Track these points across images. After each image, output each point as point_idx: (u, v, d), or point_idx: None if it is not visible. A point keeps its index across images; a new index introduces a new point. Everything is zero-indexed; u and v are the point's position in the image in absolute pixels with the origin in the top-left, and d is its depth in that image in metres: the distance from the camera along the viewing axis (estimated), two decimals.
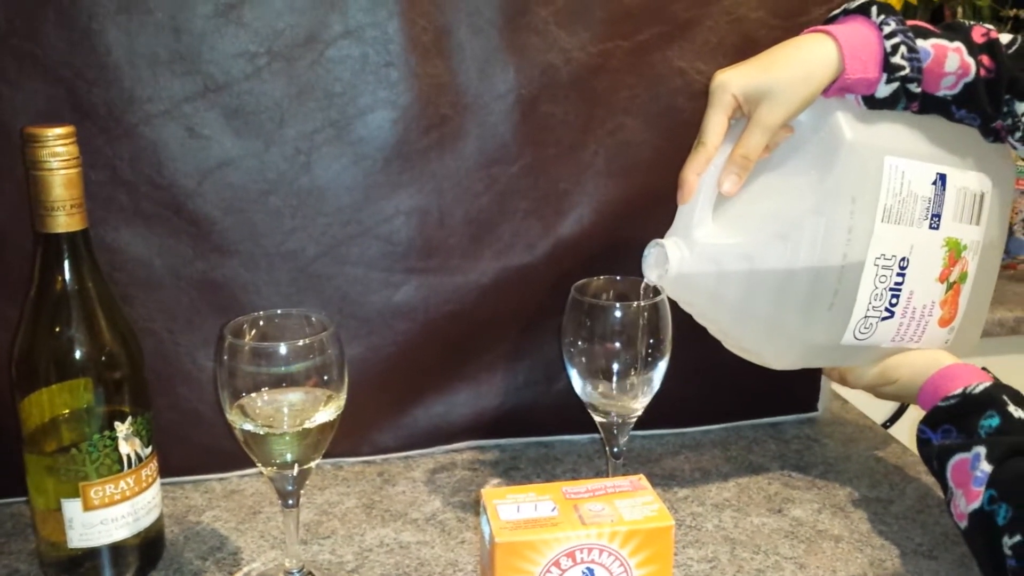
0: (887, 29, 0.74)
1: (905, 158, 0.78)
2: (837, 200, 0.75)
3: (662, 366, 0.76)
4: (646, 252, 0.78)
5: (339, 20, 0.81)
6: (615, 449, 0.78)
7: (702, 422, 0.98)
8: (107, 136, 0.78)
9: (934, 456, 0.75)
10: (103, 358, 0.68)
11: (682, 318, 0.81)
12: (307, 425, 0.66)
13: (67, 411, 0.68)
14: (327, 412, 0.67)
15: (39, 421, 0.69)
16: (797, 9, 0.90)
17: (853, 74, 0.74)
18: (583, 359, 0.75)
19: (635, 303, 0.75)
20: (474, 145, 0.86)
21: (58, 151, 0.65)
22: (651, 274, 0.78)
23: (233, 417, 0.66)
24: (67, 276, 0.67)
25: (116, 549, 0.70)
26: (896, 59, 0.74)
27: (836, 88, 0.75)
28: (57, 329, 0.68)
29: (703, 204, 0.78)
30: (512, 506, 0.57)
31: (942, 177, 0.79)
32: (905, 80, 0.75)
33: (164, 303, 0.81)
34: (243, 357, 0.65)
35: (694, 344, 0.82)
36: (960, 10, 1.80)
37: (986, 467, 0.69)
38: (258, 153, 0.81)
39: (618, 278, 0.80)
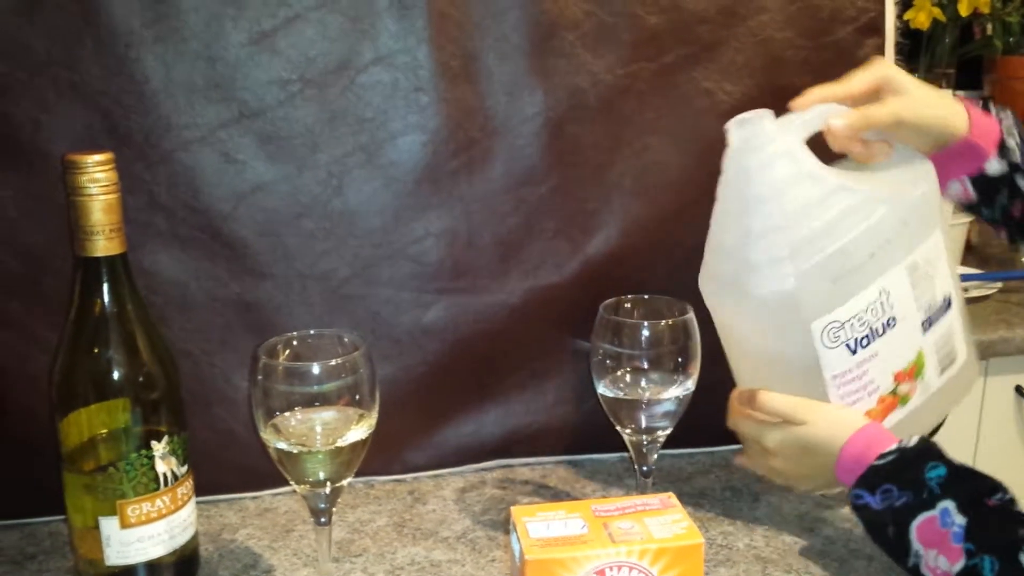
0: (1005, 121, 0.81)
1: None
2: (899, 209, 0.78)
3: (691, 384, 0.76)
4: (743, 116, 0.78)
5: (370, 47, 0.82)
6: (644, 468, 0.78)
7: (733, 441, 0.97)
8: (145, 162, 0.80)
9: (888, 521, 0.70)
10: (141, 379, 0.70)
11: (711, 337, 0.81)
12: (339, 444, 0.67)
13: (105, 431, 0.70)
14: (359, 431, 0.67)
15: (78, 440, 0.70)
16: (823, 29, 0.90)
17: (975, 138, 0.78)
18: (612, 378, 0.76)
19: (664, 321, 0.76)
20: (502, 167, 0.87)
21: (97, 177, 0.67)
22: (736, 131, 0.78)
23: (267, 436, 0.67)
24: (106, 299, 0.69)
25: (152, 567, 0.71)
26: (1010, 142, 0.80)
27: (957, 148, 0.79)
28: (96, 350, 0.69)
29: (807, 121, 0.79)
30: (542, 524, 0.57)
31: (949, 299, 0.83)
32: (1012, 165, 0.80)
33: (200, 325, 0.83)
34: (277, 377, 0.66)
35: (724, 362, 0.82)
36: (990, 27, 1.79)
37: (960, 520, 0.66)
38: (291, 177, 0.83)
39: (646, 296, 0.80)
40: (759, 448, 0.79)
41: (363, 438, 0.68)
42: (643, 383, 0.76)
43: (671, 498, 0.60)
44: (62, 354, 0.70)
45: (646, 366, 0.75)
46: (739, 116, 0.77)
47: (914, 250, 0.79)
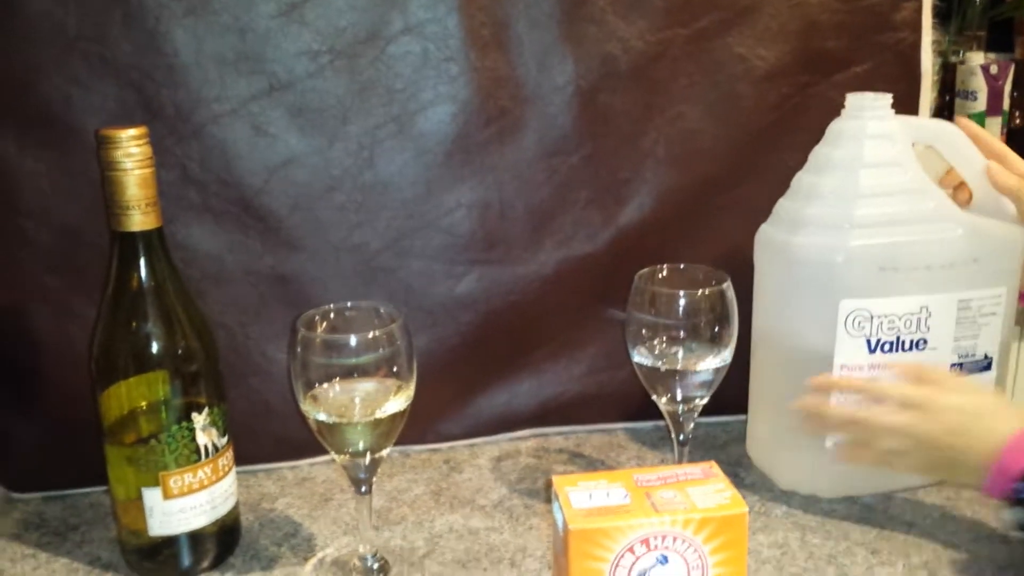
0: None
1: None
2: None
3: (728, 354, 0.76)
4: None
5: (399, 17, 0.82)
6: (681, 436, 0.78)
7: (719, 412, 0.96)
8: (176, 136, 0.80)
9: None
10: (179, 351, 0.70)
11: (747, 306, 0.81)
12: (378, 415, 0.67)
13: (145, 403, 0.70)
14: (397, 402, 0.68)
15: (118, 413, 0.71)
16: None
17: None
18: (648, 347, 0.76)
19: (701, 290, 0.75)
20: (534, 137, 0.86)
21: (132, 152, 0.67)
22: (854, 98, 0.80)
23: (307, 407, 0.67)
24: (143, 273, 0.69)
25: (195, 536, 0.72)
26: None
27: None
28: (134, 324, 0.70)
29: (923, 127, 0.82)
30: (584, 493, 0.57)
31: (990, 362, 0.81)
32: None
33: (235, 297, 0.83)
34: (315, 349, 0.66)
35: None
36: None
37: None
38: (322, 150, 0.83)
39: (682, 266, 0.80)
40: (871, 429, 0.73)
41: (401, 409, 0.68)
42: (680, 353, 0.75)
43: (713, 467, 0.60)
44: (100, 328, 0.70)
45: (683, 336, 0.75)
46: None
47: (972, 290, 0.78)
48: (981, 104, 1.70)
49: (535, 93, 0.86)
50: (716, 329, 0.75)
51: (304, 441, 0.85)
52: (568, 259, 0.89)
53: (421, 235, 0.86)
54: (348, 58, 0.82)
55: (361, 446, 0.68)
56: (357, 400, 0.67)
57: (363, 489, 0.70)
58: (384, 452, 0.69)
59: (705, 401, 0.76)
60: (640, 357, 0.76)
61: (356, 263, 0.85)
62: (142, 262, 0.69)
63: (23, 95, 0.77)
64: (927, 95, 0.91)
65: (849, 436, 0.76)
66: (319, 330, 0.69)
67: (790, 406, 0.78)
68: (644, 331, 0.76)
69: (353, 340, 0.66)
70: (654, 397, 0.77)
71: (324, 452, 0.87)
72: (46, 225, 0.80)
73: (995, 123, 1.71)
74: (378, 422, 0.67)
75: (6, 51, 0.76)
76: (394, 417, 0.68)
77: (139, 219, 0.68)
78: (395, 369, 0.68)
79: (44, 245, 0.80)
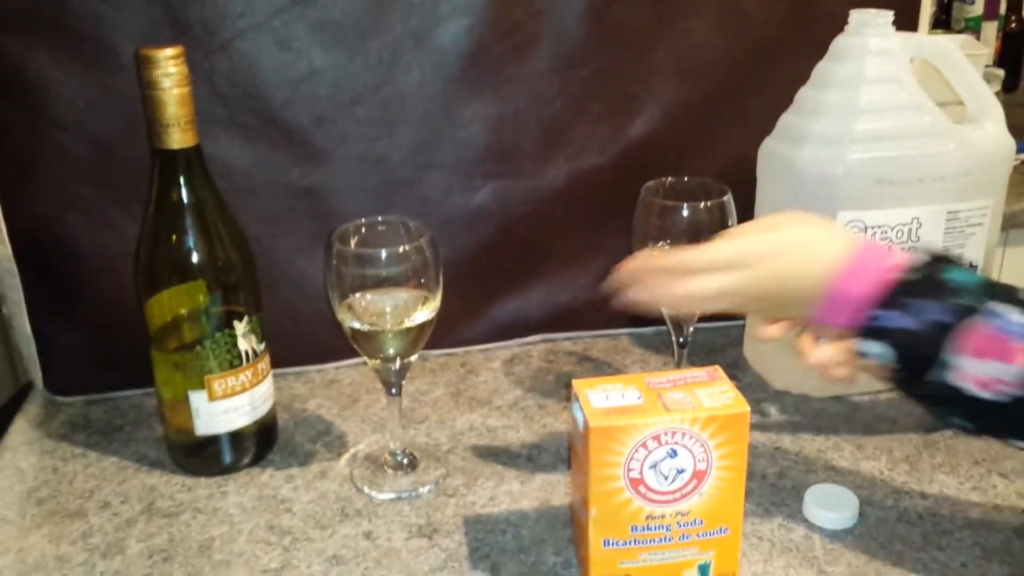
0: None
1: None
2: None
3: None
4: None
5: None
6: (681, 339, 0.83)
7: (718, 318, 1.00)
8: (204, 52, 0.82)
9: (926, 342, 0.58)
10: (218, 263, 0.74)
11: (747, 217, 0.85)
12: (407, 324, 0.72)
13: (186, 311, 0.75)
14: (425, 312, 0.73)
15: (162, 321, 0.75)
16: None
17: None
18: None
19: (703, 203, 0.79)
20: (547, 51, 0.89)
21: (171, 71, 0.69)
22: (857, 14, 0.82)
23: (342, 316, 0.72)
24: (183, 188, 0.73)
25: (237, 435, 0.78)
26: None
27: None
28: (175, 237, 0.73)
29: (922, 43, 0.84)
30: (602, 395, 0.62)
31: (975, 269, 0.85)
32: None
33: (263, 209, 0.87)
34: (349, 262, 0.71)
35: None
36: None
37: (1018, 317, 0.57)
38: (343, 65, 0.85)
39: (686, 179, 0.83)
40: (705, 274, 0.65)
41: (429, 319, 0.73)
42: None
43: (717, 371, 0.65)
44: (143, 241, 0.74)
45: (685, 245, 0.79)
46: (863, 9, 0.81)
47: (961, 202, 0.82)
48: (978, 8, 1.71)
49: (549, 7, 0.88)
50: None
51: (331, 345, 0.91)
52: (579, 172, 0.92)
53: (439, 148, 0.89)
54: None
55: (392, 352, 0.73)
56: (388, 309, 0.72)
57: (393, 391, 0.76)
58: (413, 358, 0.74)
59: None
60: None
61: (377, 176, 0.89)
62: (182, 178, 0.73)
63: (56, 12, 0.79)
64: (927, 10, 0.94)
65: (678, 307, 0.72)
66: (352, 244, 0.73)
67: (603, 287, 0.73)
68: (649, 241, 0.80)
69: (384, 253, 0.70)
70: None
71: (349, 356, 0.93)
72: (80, 138, 0.83)
73: (991, 27, 1.72)
74: (408, 330, 0.72)
75: None
76: (422, 326, 0.72)
77: (179, 136, 0.71)
78: (423, 281, 0.72)
79: (79, 157, 0.83)
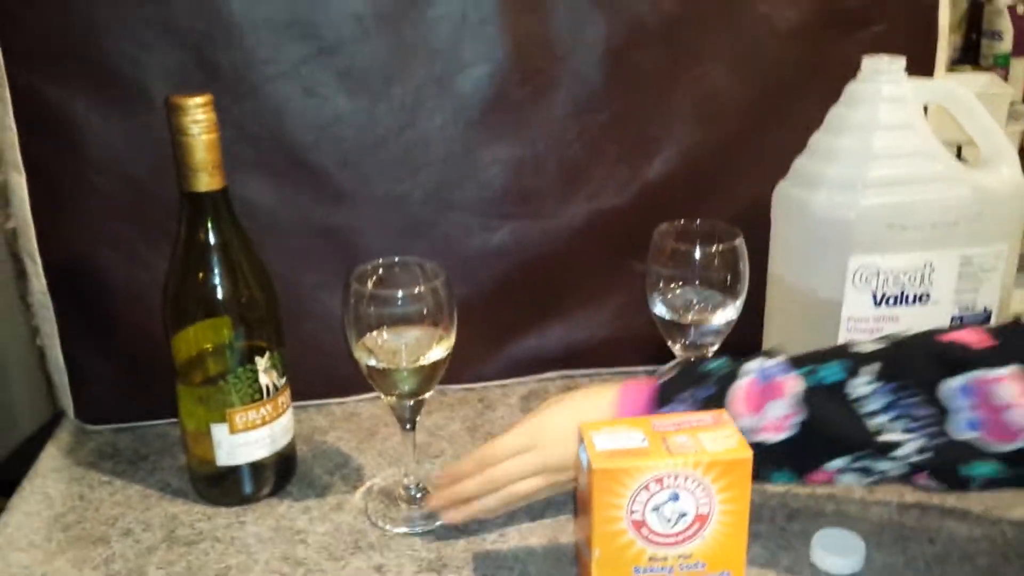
0: None
1: None
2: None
3: (739, 303, 0.81)
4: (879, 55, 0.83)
5: None
6: None
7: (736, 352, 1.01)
8: (233, 95, 0.85)
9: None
10: (243, 300, 0.77)
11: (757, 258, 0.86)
12: (422, 362, 0.74)
13: (211, 346, 0.78)
14: (439, 350, 0.74)
15: (187, 355, 0.78)
16: None
17: None
18: (665, 299, 0.81)
19: (715, 246, 0.80)
20: (566, 95, 0.91)
21: (199, 118, 0.72)
22: (870, 61, 0.83)
23: (358, 353, 0.74)
24: (210, 229, 0.76)
25: (257, 466, 0.80)
26: None
27: None
28: (202, 275, 0.76)
29: (934, 89, 0.87)
30: (607, 437, 0.64)
31: (989, 315, 0.86)
32: None
33: (288, 247, 0.90)
34: (366, 301, 0.73)
35: (753, 283, 0.86)
36: None
37: (766, 362, 0.68)
38: (367, 109, 0.88)
39: (698, 221, 0.84)
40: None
41: (443, 357, 0.75)
42: (694, 304, 0.81)
43: (723, 415, 0.66)
44: (172, 278, 0.77)
45: (697, 288, 0.80)
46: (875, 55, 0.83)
47: (975, 247, 0.83)
48: (1007, 45, 1.70)
49: (568, 53, 0.90)
50: (728, 282, 0.80)
51: (351, 379, 0.93)
52: (597, 212, 0.94)
53: (459, 189, 0.92)
54: (391, 22, 0.86)
55: (406, 388, 0.75)
56: (403, 348, 0.74)
57: (407, 426, 0.78)
58: (427, 395, 0.76)
59: (716, 347, 0.83)
60: (658, 307, 0.82)
61: (399, 216, 0.91)
62: (209, 219, 0.75)
63: (92, 56, 0.82)
64: (943, 54, 0.94)
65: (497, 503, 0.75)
66: (370, 284, 0.75)
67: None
68: (662, 283, 0.82)
69: (400, 294, 0.73)
70: (669, 343, 0.83)
71: (370, 390, 0.94)
72: (114, 177, 0.86)
73: (1020, 64, 1.71)
74: (422, 368, 0.74)
75: (76, 13, 0.81)
76: (436, 364, 0.74)
77: (206, 180, 0.74)
78: (438, 320, 0.74)
79: (113, 196, 0.86)
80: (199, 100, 0.72)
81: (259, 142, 0.87)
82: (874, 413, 0.65)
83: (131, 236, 0.88)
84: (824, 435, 0.66)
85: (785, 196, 0.87)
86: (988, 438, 0.64)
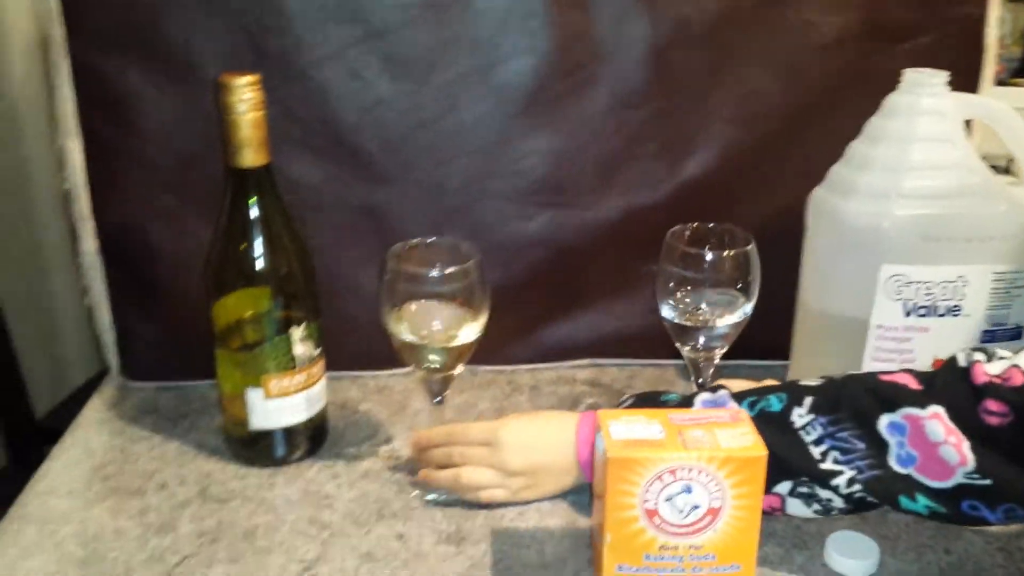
0: None
1: None
2: None
3: (748, 308, 0.82)
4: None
5: None
6: (700, 381, 0.85)
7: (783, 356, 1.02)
8: (282, 77, 0.88)
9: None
10: (281, 272, 0.80)
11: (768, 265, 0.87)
12: (453, 340, 0.77)
13: (250, 313, 0.81)
14: (471, 330, 0.77)
15: (227, 321, 0.81)
16: None
17: None
18: (675, 300, 0.82)
19: (727, 251, 0.81)
20: (606, 91, 0.92)
21: (246, 97, 0.75)
22: (912, 73, 0.83)
23: (392, 328, 0.77)
24: (253, 203, 0.79)
25: (289, 431, 0.83)
26: None
27: None
28: (243, 247, 0.79)
29: (973, 104, 0.86)
30: (624, 426, 0.66)
31: (1020, 332, 0.86)
32: None
33: (328, 224, 0.93)
34: (402, 278, 0.75)
35: (783, 287, 0.89)
36: None
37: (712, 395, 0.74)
38: (410, 94, 0.90)
39: (711, 225, 0.85)
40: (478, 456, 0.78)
41: (474, 337, 0.77)
42: (704, 307, 0.82)
43: (741, 413, 0.68)
44: (215, 248, 0.80)
45: (707, 292, 0.81)
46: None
47: (1009, 264, 0.83)
48: None
49: (610, 50, 0.91)
50: (739, 287, 0.81)
51: (384, 354, 0.95)
52: (631, 207, 0.96)
53: (496, 177, 0.94)
54: (437, 11, 0.88)
55: (438, 365, 0.78)
56: (436, 325, 0.77)
57: (437, 400, 0.80)
58: (456, 371, 0.79)
59: (724, 351, 0.83)
60: (667, 310, 0.83)
61: (436, 199, 0.94)
62: (252, 194, 0.78)
63: (149, 34, 0.86)
64: (990, 69, 0.94)
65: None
66: (405, 262, 0.78)
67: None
68: (672, 285, 0.82)
69: (435, 272, 0.75)
70: (677, 345, 0.84)
71: (402, 364, 0.97)
72: (164, 150, 0.90)
73: None
74: (453, 345, 0.77)
75: None
76: (467, 342, 0.77)
77: (251, 156, 0.77)
78: (470, 300, 0.76)
79: (162, 168, 0.90)
80: (247, 80, 0.75)
81: (304, 122, 0.90)
82: (815, 442, 0.69)
83: (178, 206, 0.91)
84: (768, 458, 0.66)
85: (819, 202, 0.88)
86: (923, 473, 0.67)
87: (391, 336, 0.77)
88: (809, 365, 0.92)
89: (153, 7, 0.85)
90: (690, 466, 0.63)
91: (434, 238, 0.81)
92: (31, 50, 1.46)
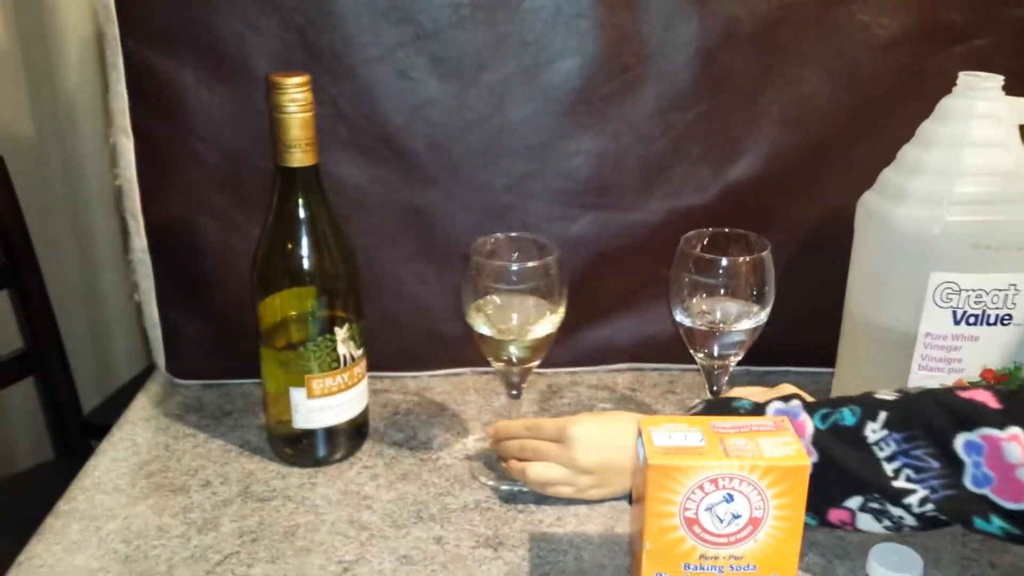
0: None
1: None
2: None
3: (763, 315, 0.81)
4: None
5: None
6: (715, 388, 0.84)
7: (802, 361, 1.01)
8: (331, 76, 0.88)
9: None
10: (326, 272, 0.81)
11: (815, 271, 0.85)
12: (531, 333, 0.77)
13: (295, 313, 0.81)
14: (548, 323, 0.78)
15: (272, 320, 0.82)
16: None
17: None
18: (688, 306, 0.81)
19: (742, 257, 0.80)
20: (653, 92, 0.92)
21: (296, 97, 0.76)
22: (966, 76, 0.82)
23: (472, 321, 0.78)
24: (300, 203, 0.79)
25: (331, 431, 0.84)
26: None
27: None
28: (290, 246, 0.80)
29: None
30: (665, 434, 0.65)
31: None
32: None
33: (373, 224, 0.93)
34: (483, 272, 0.76)
35: (830, 293, 0.88)
36: None
37: (784, 404, 0.72)
38: (458, 95, 0.90)
39: (726, 231, 0.84)
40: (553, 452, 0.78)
41: (552, 330, 0.78)
42: (718, 314, 0.81)
43: (784, 422, 0.67)
44: (262, 247, 0.81)
45: (722, 298, 0.80)
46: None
47: None
48: None
49: (658, 51, 0.91)
50: (754, 294, 0.80)
51: (425, 354, 0.97)
52: (676, 210, 0.95)
53: (542, 178, 0.93)
54: (487, 11, 0.88)
55: (515, 358, 0.78)
56: (515, 318, 0.77)
57: (514, 393, 0.81)
58: (534, 364, 0.80)
59: (738, 359, 0.82)
60: (680, 316, 0.82)
61: (482, 199, 0.94)
62: (300, 193, 0.79)
63: (202, 33, 0.87)
64: None
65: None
66: (487, 256, 0.78)
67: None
68: (686, 291, 0.81)
69: (515, 266, 0.76)
70: (691, 351, 0.83)
71: (442, 366, 0.98)
72: (216, 149, 0.91)
73: None
74: (531, 339, 0.77)
75: None
76: (545, 335, 0.78)
77: (299, 156, 0.78)
78: (548, 294, 0.77)
79: (213, 166, 0.91)
80: (297, 80, 0.75)
81: (353, 122, 0.90)
82: (888, 458, 0.67)
83: (228, 204, 0.92)
84: (840, 472, 0.68)
85: (869, 207, 0.87)
86: (998, 495, 0.65)
87: (471, 329, 0.78)
88: (855, 373, 0.90)
89: (208, 5, 0.86)
90: (731, 475, 0.62)
91: (514, 233, 0.82)
92: (86, 47, 1.49)
